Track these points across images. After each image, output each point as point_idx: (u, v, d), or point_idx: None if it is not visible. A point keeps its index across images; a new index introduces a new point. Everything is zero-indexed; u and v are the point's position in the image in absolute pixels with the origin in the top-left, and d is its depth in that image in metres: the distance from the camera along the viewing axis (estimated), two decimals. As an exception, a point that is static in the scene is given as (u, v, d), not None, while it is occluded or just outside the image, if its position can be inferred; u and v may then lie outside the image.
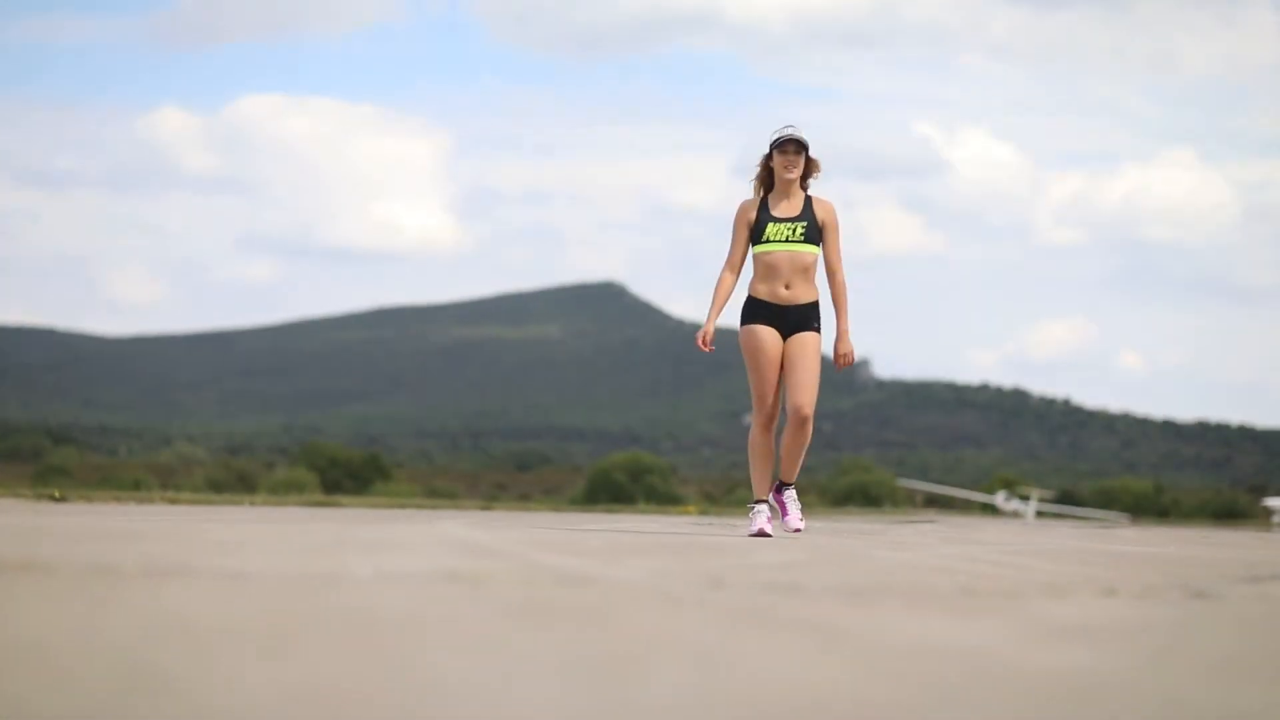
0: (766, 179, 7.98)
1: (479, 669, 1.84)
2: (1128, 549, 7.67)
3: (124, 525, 6.38)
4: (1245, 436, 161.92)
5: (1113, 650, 2.26)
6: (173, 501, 14.64)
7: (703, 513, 24.18)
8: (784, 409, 7.97)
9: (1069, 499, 65.41)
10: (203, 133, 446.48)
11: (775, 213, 7.90)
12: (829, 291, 8.10)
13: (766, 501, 8.00)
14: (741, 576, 3.63)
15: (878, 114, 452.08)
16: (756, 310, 7.95)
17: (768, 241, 7.89)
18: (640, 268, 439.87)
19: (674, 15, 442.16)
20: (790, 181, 7.90)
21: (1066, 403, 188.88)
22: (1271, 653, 2.41)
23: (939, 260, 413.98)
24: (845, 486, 64.50)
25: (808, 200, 7.95)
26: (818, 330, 7.95)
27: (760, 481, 8.02)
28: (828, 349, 8.10)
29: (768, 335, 7.92)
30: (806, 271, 7.91)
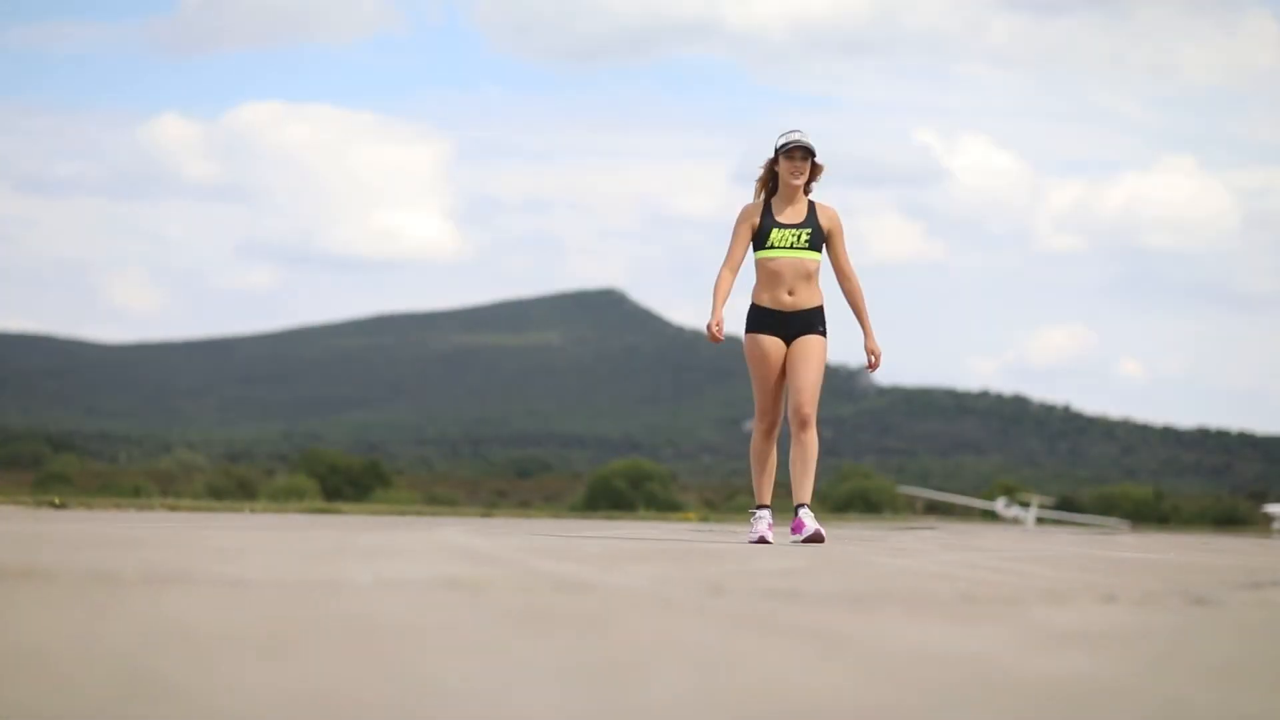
0: (770, 183, 7.97)
1: (479, 675, 1.84)
2: (1128, 555, 7.66)
3: (124, 532, 6.38)
4: (1245, 443, 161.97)
5: (1113, 657, 2.26)
6: (173, 508, 14.65)
7: (703, 519, 24.18)
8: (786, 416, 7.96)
9: (1069, 505, 65.37)
10: (203, 140, 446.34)
11: (780, 218, 7.88)
12: (845, 296, 8.09)
13: (768, 506, 7.98)
14: (742, 583, 3.63)
15: (877, 122, 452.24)
16: (760, 318, 7.93)
17: (772, 247, 7.86)
18: (640, 275, 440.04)
19: (673, 23, 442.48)
20: (795, 187, 7.87)
21: (1066, 409, 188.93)
22: (1272, 659, 2.41)
23: (939, 268, 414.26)
24: (845, 493, 64.46)
25: (811, 206, 7.93)
26: (822, 334, 7.93)
27: (761, 486, 8.01)
28: (837, 354, 8.08)
29: (771, 344, 7.91)
30: (810, 278, 7.90)
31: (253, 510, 15.93)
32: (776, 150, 7.90)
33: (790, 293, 7.88)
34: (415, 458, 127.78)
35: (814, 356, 7.88)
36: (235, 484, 53.00)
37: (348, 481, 55.26)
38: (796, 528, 7.71)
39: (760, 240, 7.89)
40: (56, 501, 13.88)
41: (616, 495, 53.18)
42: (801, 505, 7.80)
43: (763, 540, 7.68)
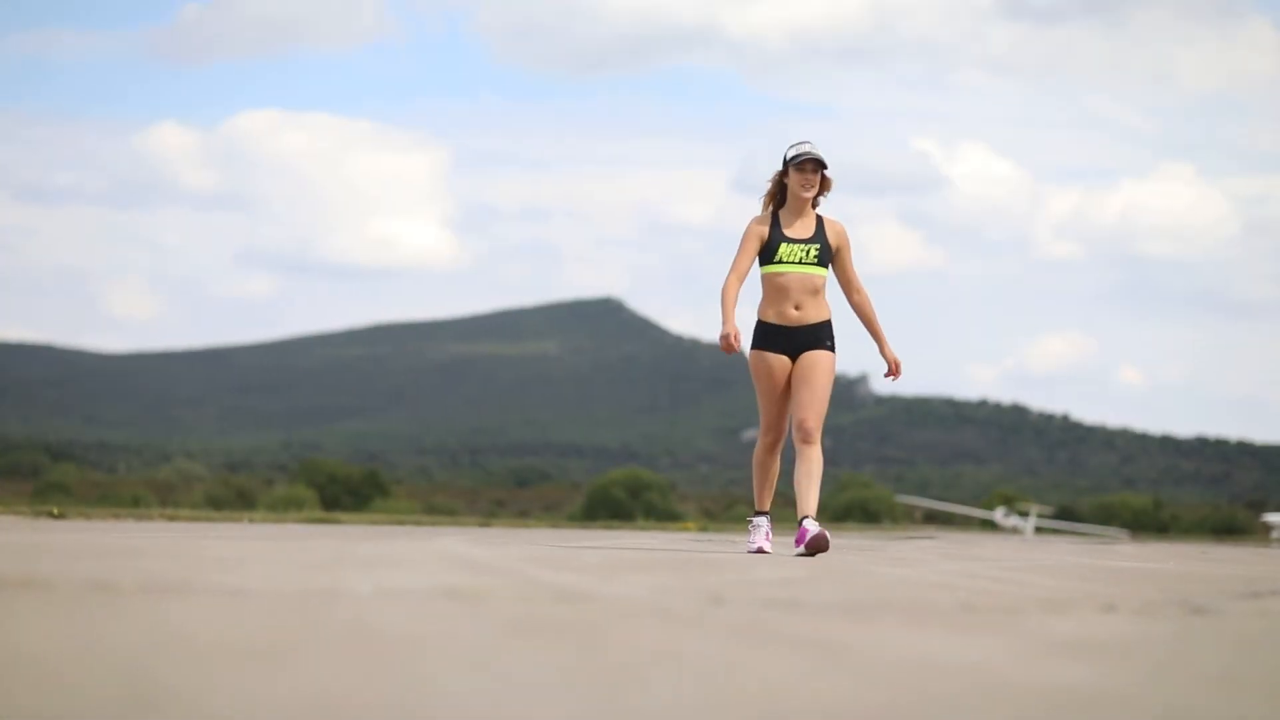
0: (778, 195, 7.90)
1: (477, 685, 1.84)
2: (1127, 565, 7.66)
3: (123, 542, 6.38)
4: (1244, 452, 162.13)
5: (1112, 666, 2.26)
6: (172, 518, 14.64)
7: (702, 529, 24.18)
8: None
9: (1068, 515, 65.41)
10: (201, 148, 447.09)
11: (788, 233, 7.77)
12: (855, 310, 8.03)
13: (767, 513, 7.97)
14: (741, 593, 3.63)
15: (876, 130, 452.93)
16: (767, 334, 7.86)
17: (780, 262, 7.77)
18: (638, 284, 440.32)
19: (672, 32, 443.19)
20: (805, 200, 7.77)
21: (1065, 418, 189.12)
22: (1271, 668, 2.41)
23: (938, 276, 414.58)
24: (844, 502, 64.50)
25: (819, 221, 7.83)
26: (830, 349, 7.84)
27: (762, 495, 8.00)
28: (845, 366, 8.05)
29: (776, 361, 7.84)
30: (817, 293, 7.81)
31: (252, 520, 15.92)
32: (786, 162, 7.78)
33: (797, 308, 7.80)
34: (414, 467, 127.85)
35: (821, 371, 7.80)
36: (234, 494, 53.05)
37: (347, 491, 55.30)
38: (800, 538, 7.62)
39: (768, 254, 7.79)
40: (55, 511, 13.87)
41: (615, 505, 53.23)
42: (806, 517, 7.70)
43: (761, 551, 7.68)
